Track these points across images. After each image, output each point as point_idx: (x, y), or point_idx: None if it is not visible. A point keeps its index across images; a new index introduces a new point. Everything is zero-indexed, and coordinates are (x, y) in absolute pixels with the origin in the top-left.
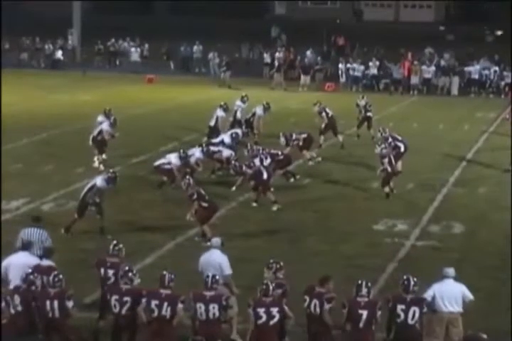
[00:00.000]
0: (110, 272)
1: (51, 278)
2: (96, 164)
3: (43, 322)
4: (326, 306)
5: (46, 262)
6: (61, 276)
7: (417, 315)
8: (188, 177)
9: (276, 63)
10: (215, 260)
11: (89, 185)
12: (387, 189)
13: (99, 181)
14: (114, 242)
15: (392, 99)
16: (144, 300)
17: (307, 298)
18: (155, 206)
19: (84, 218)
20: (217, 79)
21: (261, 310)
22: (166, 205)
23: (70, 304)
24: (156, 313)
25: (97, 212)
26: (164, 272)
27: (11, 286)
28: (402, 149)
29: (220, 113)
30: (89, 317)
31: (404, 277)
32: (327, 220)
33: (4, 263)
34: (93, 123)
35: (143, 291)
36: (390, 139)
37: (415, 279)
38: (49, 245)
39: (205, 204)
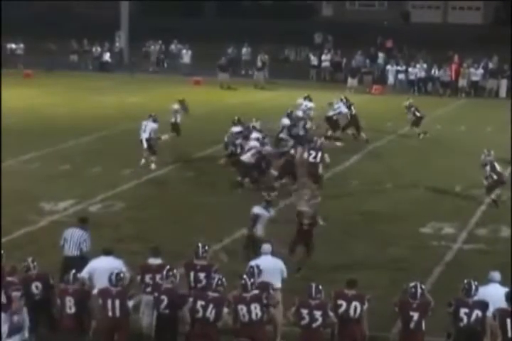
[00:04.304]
0: (201, 275)
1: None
2: (145, 163)
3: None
4: (365, 307)
5: (156, 261)
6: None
7: (479, 318)
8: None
9: (259, 63)
10: (277, 265)
11: (251, 218)
12: (493, 196)
13: (257, 210)
14: (200, 245)
15: (440, 101)
16: (190, 300)
17: (343, 303)
18: (203, 208)
19: (131, 221)
20: (266, 81)
21: (304, 312)
22: (213, 207)
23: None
24: (200, 314)
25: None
26: (214, 275)
27: (95, 291)
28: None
29: (285, 121)
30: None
31: (465, 281)
32: (374, 223)
33: (88, 267)
34: (140, 125)
35: (190, 292)
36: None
37: (476, 283)
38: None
39: None
